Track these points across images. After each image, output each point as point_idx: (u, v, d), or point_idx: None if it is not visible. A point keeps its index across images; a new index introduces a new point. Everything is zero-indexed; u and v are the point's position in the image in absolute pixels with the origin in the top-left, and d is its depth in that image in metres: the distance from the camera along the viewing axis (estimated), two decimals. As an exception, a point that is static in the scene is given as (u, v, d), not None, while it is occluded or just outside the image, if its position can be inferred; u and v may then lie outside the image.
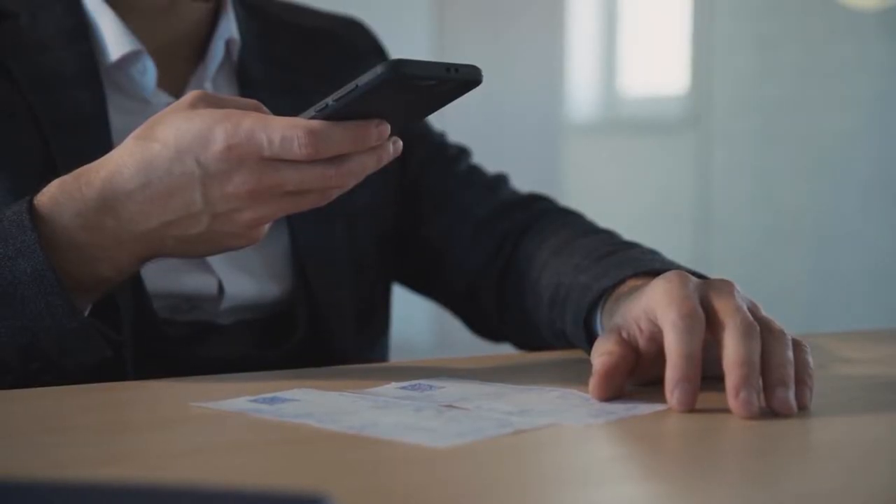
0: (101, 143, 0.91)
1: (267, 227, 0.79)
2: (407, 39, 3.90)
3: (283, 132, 0.71)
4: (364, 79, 0.69)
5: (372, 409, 0.67)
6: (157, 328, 0.92)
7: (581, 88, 4.58)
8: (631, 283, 0.82)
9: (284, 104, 1.02)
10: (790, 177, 3.78)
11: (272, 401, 0.69)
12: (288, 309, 1.00)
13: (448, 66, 0.70)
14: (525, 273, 1.01)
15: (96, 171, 0.76)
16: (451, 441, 0.59)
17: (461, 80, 0.71)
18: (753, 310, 0.70)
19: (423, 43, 4.08)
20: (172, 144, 0.74)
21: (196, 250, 0.79)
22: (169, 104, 0.96)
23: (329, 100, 0.71)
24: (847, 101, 3.60)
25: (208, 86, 1.00)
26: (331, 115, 0.71)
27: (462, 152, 1.14)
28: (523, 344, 1.05)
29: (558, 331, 0.91)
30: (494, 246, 1.06)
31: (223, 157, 0.72)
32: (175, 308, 0.95)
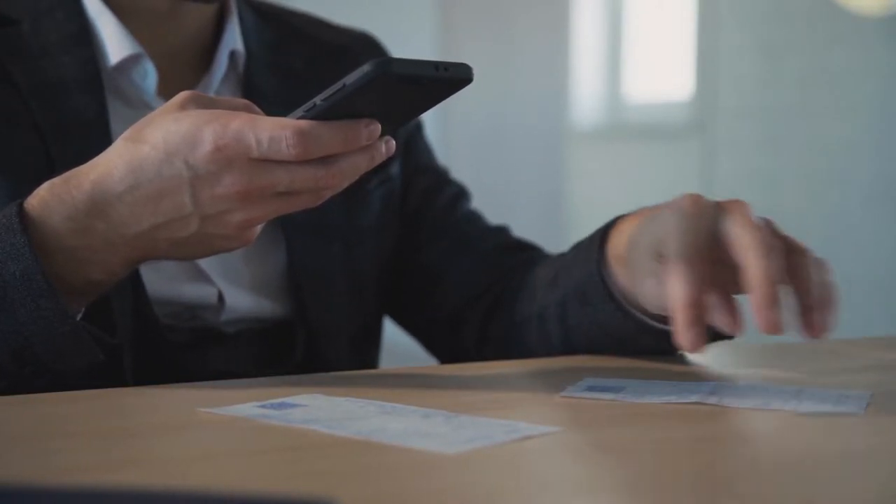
0: (102, 149, 0.91)
1: (259, 228, 0.78)
2: (411, 46, 3.90)
3: (271, 132, 0.71)
4: (351, 77, 0.68)
5: (380, 414, 0.67)
6: (159, 333, 0.92)
7: (586, 94, 4.57)
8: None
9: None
10: (795, 183, 3.77)
11: (280, 406, 0.69)
12: (288, 326, 1.00)
13: (437, 65, 0.69)
14: (519, 294, 1.01)
15: (86, 173, 0.76)
16: (460, 447, 0.59)
17: (451, 78, 0.70)
18: (773, 229, 0.71)
19: (427, 51, 4.09)
20: (161, 146, 0.73)
21: (188, 253, 0.79)
22: None
23: (317, 99, 0.70)
24: (852, 108, 3.60)
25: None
26: (319, 115, 0.71)
27: (464, 192, 1.15)
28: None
29: (553, 310, 0.92)
30: (496, 278, 1.06)
31: (212, 159, 0.72)
32: (177, 316, 0.95)
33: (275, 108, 1.01)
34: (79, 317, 0.80)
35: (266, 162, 0.72)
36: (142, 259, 0.79)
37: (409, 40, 4.00)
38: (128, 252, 0.77)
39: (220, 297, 0.96)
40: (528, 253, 1.09)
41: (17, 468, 0.56)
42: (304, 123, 0.71)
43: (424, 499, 0.52)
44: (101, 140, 0.92)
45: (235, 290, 0.97)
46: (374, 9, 3.94)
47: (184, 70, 1.01)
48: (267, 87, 1.03)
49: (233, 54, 1.02)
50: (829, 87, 3.65)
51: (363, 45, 1.15)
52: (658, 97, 4.42)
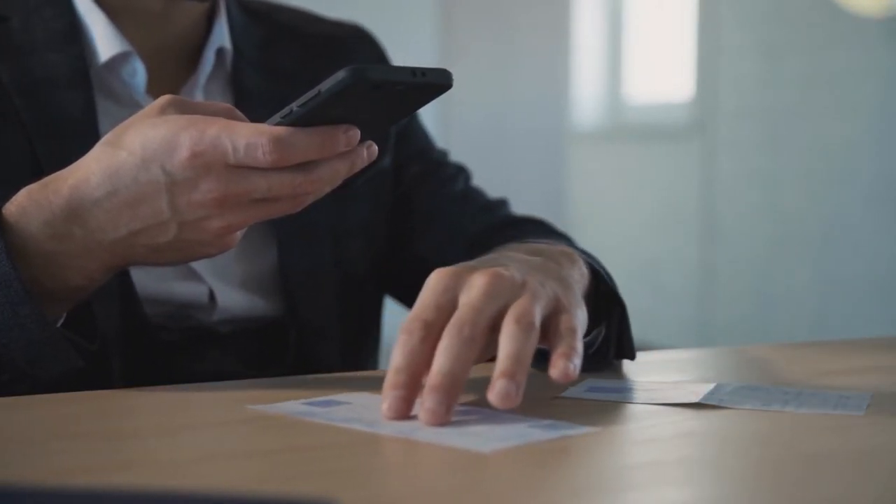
0: (89, 146, 0.91)
1: (239, 234, 0.78)
2: (412, 49, 3.90)
3: (247, 139, 0.70)
4: (326, 84, 0.68)
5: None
6: (149, 333, 0.92)
7: (586, 95, 4.58)
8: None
9: None
10: (795, 184, 3.78)
11: (326, 404, 0.70)
12: (280, 327, 1.00)
13: (415, 70, 0.69)
14: None
15: (64, 179, 0.75)
16: (496, 445, 0.59)
17: (430, 83, 0.69)
18: (482, 312, 0.66)
19: (428, 52, 4.09)
20: (139, 152, 0.72)
21: (167, 258, 0.78)
22: None
23: (293, 105, 0.70)
24: (852, 109, 3.60)
25: (199, 95, 0.99)
26: (296, 121, 0.70)
27: (460, 171, 1.13)
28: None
29: None
30: None
31: (189, 165, 0.71)
32: (170, 316, 0.95)
33: (263, 105, 1.01)
34: (60, 322, 0.79)
35: (243, 168, 0.71)
36: (120, 265, 0.78)
37: (409, 41, 4.00)
38: (106, 258, 0.76)
39: (212, 296, 0.96)
40: (515, 230, 1.06)
41: (18, 469, 0.56)
42: (280, 130, 0.70)
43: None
44: (88, 138, 0.91)
45: (227, 288, 0.97)
46: (375, 10, 3.94)
47: (173, 68, 1.00)
48: (255, 84, 1.02)
49: (220, 52, 1.02)
50: (830, 88, 3.65)
51: (355, 38, 1.14)
52: (658, 98, 4.42)
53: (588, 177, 4.51)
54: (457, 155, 1.18)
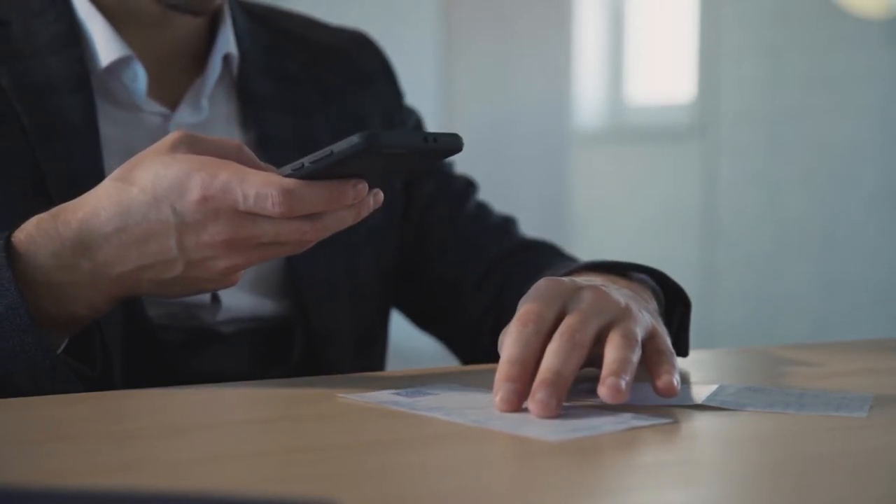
0: (90, 150, 0.91)
1: (243, 272, 0.79)
2: (414, 50, 3.90)
3: (258, 188, 0.71)
4: (339, 146, 0.69)
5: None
6: (152, 333, 0.92)
7: (588, 97, 4.58)
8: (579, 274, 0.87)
9: (287, 123, 1.01)
10: (797, 185, 3.77)
11: (413, 394, 0.72)
12: (286, 328, 1.00)
13: (426, 136, 0.70)
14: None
15: (73, 211, 0.76)
16: (566, 436, 0.62)
17: (440, 149, 0.71)
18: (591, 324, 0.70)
19: (430, 54, 4.09)
20: (150, 190, 0.73)
21: (171, 292, 0.79)
22: (161, 113, 0.96)
23: (305, 161, 0.71)
24: (854, 110, 3.60)
25: (205, 102, 0.99)
26: (307, 176, 0.72)
27: (469, 185, 1.15)
28: None
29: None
30: (503, 286, 1.07)
31: (198, 208, 0.72)
32: (173, 316, 0.95)
33: (269, 110, 1.01)
34: (62, 346, 0.80)
35: (251, 214, 0.73)
36: (125, 296, 0.79)
37: (412, 45, 4.00)
38: (112, 290, 0.77)
39: (215, 296, 0.96)
40: (531, 252, 1.09)
41: (19, 470, 0.56)
42: (290, 182, 0.72)
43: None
44: (88, 142, 0.92)
45: (233, 289, 0.97)
46: (378, 13, 3.94)
47: (176, 73, 1.00)
48: (261, 89, 1.02)
49: (226, 57, 1.02)
50: (832, 90, 3.65)
51: (358, 45, 1.14)
52: (660, 100, 4.42)
53: (589, 178, 4.50)
54: (459, 157, 1.18)
